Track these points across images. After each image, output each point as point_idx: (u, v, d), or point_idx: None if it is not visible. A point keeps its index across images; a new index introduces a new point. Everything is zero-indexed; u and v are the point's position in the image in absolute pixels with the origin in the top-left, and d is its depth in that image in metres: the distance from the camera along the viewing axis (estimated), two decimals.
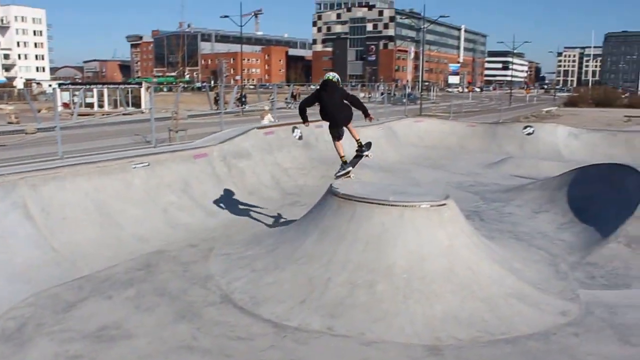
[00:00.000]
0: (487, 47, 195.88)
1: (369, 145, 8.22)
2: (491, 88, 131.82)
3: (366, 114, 7.86)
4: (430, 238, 6.17)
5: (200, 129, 19.53)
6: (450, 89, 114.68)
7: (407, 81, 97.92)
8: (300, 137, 14.12)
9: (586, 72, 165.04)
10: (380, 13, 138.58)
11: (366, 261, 6.01)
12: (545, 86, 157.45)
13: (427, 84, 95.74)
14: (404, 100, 34.20)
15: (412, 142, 19.68)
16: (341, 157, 8.12)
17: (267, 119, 17.96)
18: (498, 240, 7.98)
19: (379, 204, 6.30)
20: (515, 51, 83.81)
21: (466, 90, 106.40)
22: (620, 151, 17.72)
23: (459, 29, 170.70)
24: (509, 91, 75.91)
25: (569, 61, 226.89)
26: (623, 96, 72.78)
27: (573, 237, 8.20)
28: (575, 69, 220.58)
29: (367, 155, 8.15)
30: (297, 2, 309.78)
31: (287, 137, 13.93)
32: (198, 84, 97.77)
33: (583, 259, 7.30)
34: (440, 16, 62.95)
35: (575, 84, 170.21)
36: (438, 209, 6.33)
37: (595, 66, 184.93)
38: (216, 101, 36.35)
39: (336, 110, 7.71)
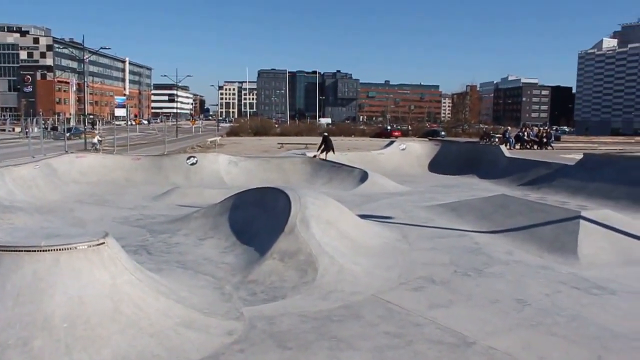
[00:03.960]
0: (153, 80, 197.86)
1: None
2: (158, 120, 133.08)
3: None
4: (92, 280, 5.81)
5: None
6: (117, 122, 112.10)
7: (70, 114, 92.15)
8: None
9: (245, 104, 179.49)
10: (36, 40, 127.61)
11: (18, 317, 5.35)
12: (211, 117, 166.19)
13: (92, 117, 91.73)
14: (67, 135, 32.03)
15: (74, 178, 18.51)
16: None
17: None
18: (166, 271, 8.00)
19: (28, 251, 5.69)
20: (179, 84, 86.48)
21: (133, 123, 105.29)
22: (273, 175, 19.74)
23: (123, 61, 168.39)
24: (175, 123, 77.70)
25: (229, 94, 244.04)
26: (276, 125, 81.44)
27: (236, 259, 8.71)
28: (236, 101, 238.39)
29: None
30: None
31: None
32: None
33: (245, 278, 7.78)
34: (102, 47, 61.33)
35: (236, 115, 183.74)
36: (97, 249, 6.01)
37: (252, 98, 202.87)
38: None
39: None
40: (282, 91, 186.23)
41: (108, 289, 5.86)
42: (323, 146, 24.11)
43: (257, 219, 9.73)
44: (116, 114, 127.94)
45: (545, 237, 9.79)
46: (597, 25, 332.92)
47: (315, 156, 23.55)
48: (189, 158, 20.83)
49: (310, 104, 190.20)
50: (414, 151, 28.42)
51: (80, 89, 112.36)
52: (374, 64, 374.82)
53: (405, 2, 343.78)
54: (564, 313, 6.49)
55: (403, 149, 28.23)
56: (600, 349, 5.47)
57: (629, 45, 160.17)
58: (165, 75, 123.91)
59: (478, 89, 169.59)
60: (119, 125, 79.50)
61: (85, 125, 52.52)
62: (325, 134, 27.98)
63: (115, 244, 6.32)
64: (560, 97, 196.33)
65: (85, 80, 67.65)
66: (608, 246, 9.26)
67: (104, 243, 6.12)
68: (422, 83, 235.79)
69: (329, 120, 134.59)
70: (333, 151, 24.23)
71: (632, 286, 7.60)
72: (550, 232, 9.89)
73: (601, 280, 7.80)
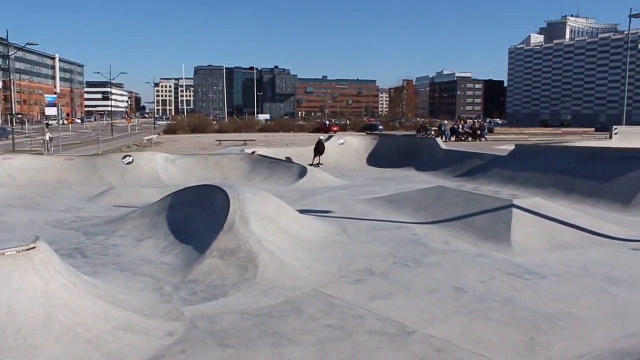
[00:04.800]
0: (85, 78, 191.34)
1: None
2: (92, 119, 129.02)
3: None
4: (22, 286, 5.57)
5: None
6: (48, 121, 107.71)
7: None
8: None
9: (182, 101, 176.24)
10: None
11: None
12: (147, 115, 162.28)
13: (20, 116, 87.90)
14: None
15: (2, 182, 17.70)
16: None
17: None
18: (102, 274, 7.78)
19: None
20: (113, 81, 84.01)
21: (66, 122, 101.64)
22: (211, 173, 19.50)
23: (53, 58, 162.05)
24: (109, 122, 75.54)
25: (166, 91, 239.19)
26: (214, 122, 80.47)
27: (175, 259, 8.56)
28: (173, 98, 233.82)
29: None
30: None
31: None
32: None
33: (185, 278, 7.66)
34: (28, 43, 58.60)
35: (173, 113, 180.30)
36: (27, 254, 5.77)
37: (189, 96, 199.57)
38: None
39: None
40: (220, 87, 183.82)
41: (40, 296, 5.65)
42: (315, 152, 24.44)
43: (196, 217, 9.60)
44: (47, 113, 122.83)
45: (480, 226, 10.11)
46: (526, 21, 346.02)
47: (253, 152, 23.42)
48: (124, 157, 20.28)
49: (248, 100, 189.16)
50: (352, 145, 28.71)
51: (6, 86, 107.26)
52: (311, 59, 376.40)
53: None
54: (498, 298, 6.73)
55: (341, 144, 28.47)
56: (532, 330, 5.71)
57: (554, 41, 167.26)
58: (98, 73, 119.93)
59: (414, 83, 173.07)
60: (50, 124, 76.58)
61: (12, 126, 50.19)
62: (321, 137, 27.96)
63: (47, 248, 6.10)
64: (493, 91, 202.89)
65: (12, 77, 64.46)
66: (538, 232, 9.66)
67: (34, 247, 5.88)
68: (359, 78, 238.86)
69: (267, 116, 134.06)
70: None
71: (560, 269, 7.96)
72: (485, 221, 10.22)
73: (532, 266, 8.13)
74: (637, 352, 5.07)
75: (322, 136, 29.30)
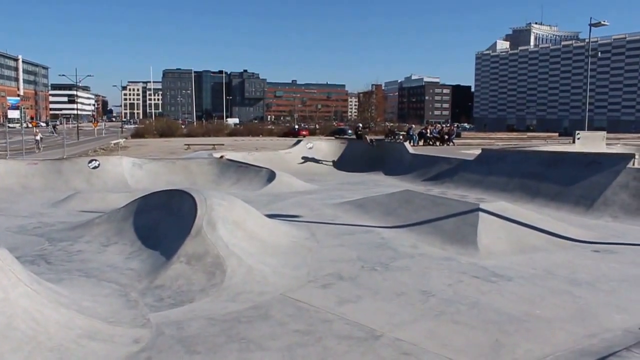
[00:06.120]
0: (50, 80, 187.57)
1: None
2: (57, 122, 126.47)
3: None
4: None
5: None
6: (11, 125, 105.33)
7: None
8: None
9: (150, 104, 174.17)
10: None
11: None
12: (114, 119, 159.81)
13: None
14: None
15: None
16: None
17: None
18: (67, 281, 7.62)
19: None
20: (80, 84, 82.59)
21: (30, 125, 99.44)
22: (179, 177, 19.32)
23: (16, 59, 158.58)
24: (75, 125, 74.20)
25: (134, 94, 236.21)
26: (183, 126, 79.75)
27: (141, 264, 8.43)
28: (140, 102, 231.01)
29: None
30: None
31: None
32: None
33: (152, 284, 7.55)
34: None
35: (141, 116, 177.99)
36: None
37: (157, 99, 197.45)
38: None
39: None
40: (188, 91, 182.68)
41: (1, 304, 5.51)
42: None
43: (163, 222, 9.49)
44: (9, 116, 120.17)
45: (448, 230, 10.23)
46: (492, 28, 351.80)
47: (222, 157, 23.25)
48: (90, 161, 19.93)
49: (217, 104, 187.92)
50: (321, 149, 28.76)
51: None
52: (280, 64, 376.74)
53: (308, 3, 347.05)
54: (465, 301, 6.81)
55: (310, 148, 28.49)
56: (497, 333, 5.79)
57: (519, 48, 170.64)
58: (63, 75, 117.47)
59: (383, 88, 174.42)
60: (13, 127, 74.81)
61: None
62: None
63: (7, 254, 5.95)
64: (460, 96, 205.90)
65: None
66: (504, 236, 9.81)
67: None
68: (328, 82, 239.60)
69: (236, 120, 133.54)
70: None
71: (525, 272, 8.10)
72: (452, 224, 10.34)
73: (498, 269, 8.26)
74: (597, 352, 5.19)
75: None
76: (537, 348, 5.40)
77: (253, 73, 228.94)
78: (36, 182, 18.77)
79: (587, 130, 42.26)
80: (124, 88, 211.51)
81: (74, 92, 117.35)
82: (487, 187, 16.86)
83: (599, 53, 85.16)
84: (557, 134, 77.01)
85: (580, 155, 17.17)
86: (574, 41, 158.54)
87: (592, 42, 60.15)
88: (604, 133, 33.53)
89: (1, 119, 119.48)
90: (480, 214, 10.17)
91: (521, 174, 16.84)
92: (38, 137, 44.77)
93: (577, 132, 32.11)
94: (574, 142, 30.91)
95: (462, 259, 8.85)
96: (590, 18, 47.18)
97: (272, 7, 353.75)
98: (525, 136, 68.90)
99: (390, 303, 6.85)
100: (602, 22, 46.97)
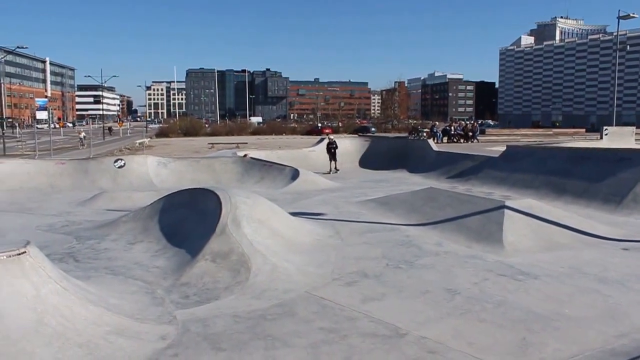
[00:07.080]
0: (76, 81, 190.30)
1: None
2: (84, 122, 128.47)
3: None
4: (12, 292, 5.53)
5: None
6: (39, 125, 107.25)
7: None
8: None
9: (174, 104, 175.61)
10: None
11: None
12: (139, 118, 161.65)
13: (11, 120, 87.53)
14: None
15: None
16: None
17: None
18: (94, 278, 7.74)
19: None
20: (105, 85, 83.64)
21: (57, 125, 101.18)
22: (204, 176, 19.47)
23: (43, 61, 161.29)
24: (102, 125, 75.28)
25: (157, 94, 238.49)
26: (206, 125, 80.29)
27: (167, 262, 8.53)
28: (165, 101, 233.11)
29: None
30: None
31: None
32: None
33: (177, 281, 7.64)
34: (18, 47, 58.36)
35: (165, 116, 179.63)
36: (17, 259, 5.73)
37: (181, 99, 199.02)
38: None
39: None
40: (212, 90, 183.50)
41: (31, 301, 5.61)
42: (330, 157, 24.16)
43: (188, 220, 9.57)
44: (38, 117, 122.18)
45: (473, 228, 10.13)
46: (516, 23, 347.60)
47: (245, 155, 23.34)
48: (116, 161, 20.20)
49: (240, 103, 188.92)
50: (345, 148, 28.69)
51: None
52: (303, 62, 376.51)
53: (331, 1, 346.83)
54: (491, 300, 6.74)
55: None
56: (524, 331, 5.72)
57: (545, 43, 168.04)
58: (89, 76, 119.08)
59: (406, 85, 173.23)
60: (41, 128, 76.13)
61: (3, 130, 49.93)
62: (330, 137, 27.00)
63: (38, 252, 6.06)
64: (484, 92, 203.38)
65: (2, 81, 64.11)
66: (530, 233, 9.69)
67: (25, 252, 5.84)
68: (351, 80, 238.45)
69: (260, 119, 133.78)
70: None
71: (552, 270, 7.99)
72: (478, 222, 10.24)
73: (525, 266, 8.15)
74: (628, 352, 5.10)
75: (331, 135, 28.78)
76: (565, 347, 5.32)
77: (276, 72, 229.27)
78: (64, 181, 19.09)
79: (615, 125, 41.46)
80: (148, 88, 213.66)
81: (100, 93, 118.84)
82: (513, 184, 16.65)
83: (628, 46, 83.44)
84: (584, 129, 75.60)
85: (608, 152, 16.86)
86: (601, 35, 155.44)
87: (620, 35, 58.95)
88: (633, 128, 32.76)
89: (30, 119, 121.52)
90: (506, 211, 10.06)
91: (547, 171, 16.60)
92: (82, 135, 49.22)
93: (605, 127, 31.50)
94: (601, 138, 30.35)
95: (488, 257, 8.76)
96: (619, 10, 46.24)
97: (294, 6, 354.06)
98: (551, 132, 67.76)
99: (415, 301, 6.82)
100: (631, 15, 45.96)
